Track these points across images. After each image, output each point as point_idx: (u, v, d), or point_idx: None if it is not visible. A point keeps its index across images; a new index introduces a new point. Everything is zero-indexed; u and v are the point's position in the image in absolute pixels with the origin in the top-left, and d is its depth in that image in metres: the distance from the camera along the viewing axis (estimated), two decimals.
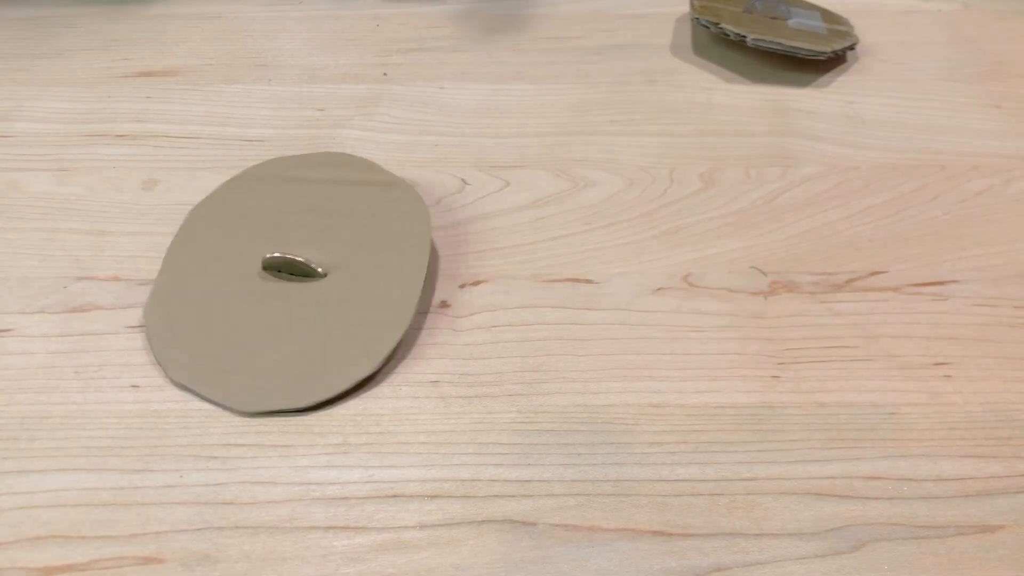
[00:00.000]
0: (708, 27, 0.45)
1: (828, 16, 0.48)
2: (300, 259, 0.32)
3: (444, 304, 0.33)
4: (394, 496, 0.27)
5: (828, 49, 0.43)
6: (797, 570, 0.25)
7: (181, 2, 0.52)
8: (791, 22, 0.45)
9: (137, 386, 0.31)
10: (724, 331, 0.32)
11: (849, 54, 0.47)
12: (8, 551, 0.26)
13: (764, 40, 0.43)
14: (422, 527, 0.26)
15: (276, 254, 0.32)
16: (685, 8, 0.51)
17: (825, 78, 0.45)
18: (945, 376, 0.30)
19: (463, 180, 0.39)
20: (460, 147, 0.41)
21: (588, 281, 0.34)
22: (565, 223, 0.37)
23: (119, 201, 0.39)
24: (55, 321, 0.33)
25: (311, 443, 0.29)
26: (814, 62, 0.45)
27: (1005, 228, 0.36)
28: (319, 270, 0.32)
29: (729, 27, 0.44)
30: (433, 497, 0.27)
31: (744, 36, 0.43)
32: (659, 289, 0.34)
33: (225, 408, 0.30)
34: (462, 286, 0.34)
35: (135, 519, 0.27)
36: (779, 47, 0.43)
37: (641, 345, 0.32)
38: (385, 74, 0.46)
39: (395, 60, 0.47)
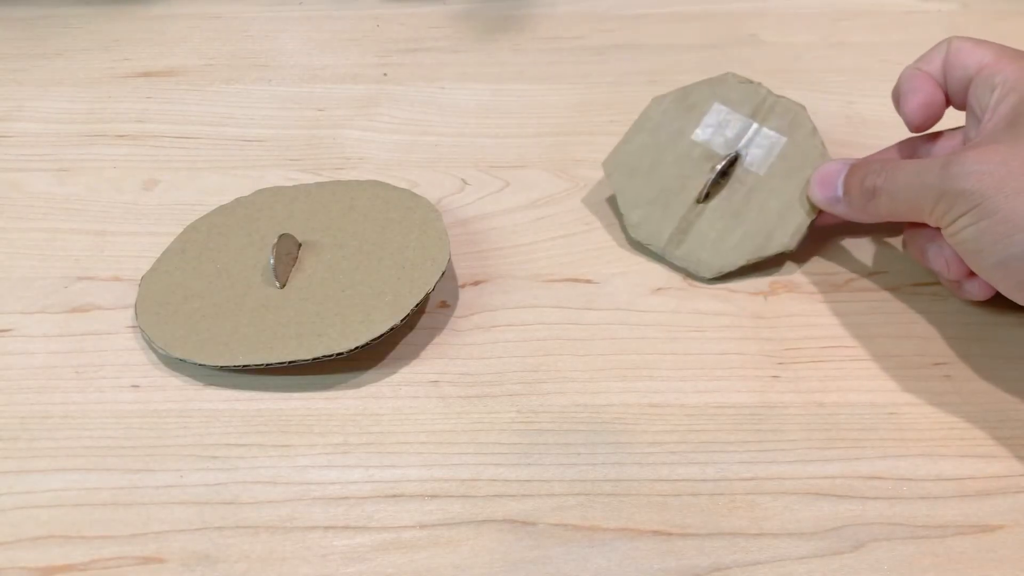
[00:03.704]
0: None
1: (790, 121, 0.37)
2: None
3: (444, 304, 0.33)
4: (394, 496, 0.27)
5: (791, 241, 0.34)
6: (797, 570, 0.25)
7: (181, 2, 0.52)
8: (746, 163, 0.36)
9: (137, 386, 0.31)
10: (724, 331, 0.32)
11: (849, 54, 0.47)
12: (8, 551, 0.26)
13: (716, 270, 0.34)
14: (422, 527, 0.26)
15: None
16: (685, 8, 0.51)
17: (825, 78, 0.45)
18: (945, 376, 0.30)
19: (463, 180, 0.39)
20: (460, 147, 0.41)
21: (588, 281, 0.34)
22: (565, 223, 0.37)
23: (119, 201, 0.39)
24: (55, 321, 0.33)
25: (311, 443, 0.29)
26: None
27: None
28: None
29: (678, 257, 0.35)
30: (433, 497, 0.27)
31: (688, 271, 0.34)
32: (659, 289, 0.34)
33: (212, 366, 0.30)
34: (462, 286, 0.34)
35: (135, 519, 0.27)
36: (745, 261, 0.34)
37: (641, 345, 0.32)
38: (385, 74, 0.46)
39: (395, 60, 0.47)
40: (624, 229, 0.36)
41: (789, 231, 0.34)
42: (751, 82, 0.37)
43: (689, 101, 0.37)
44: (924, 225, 0.30)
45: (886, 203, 0.30)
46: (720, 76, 0.38)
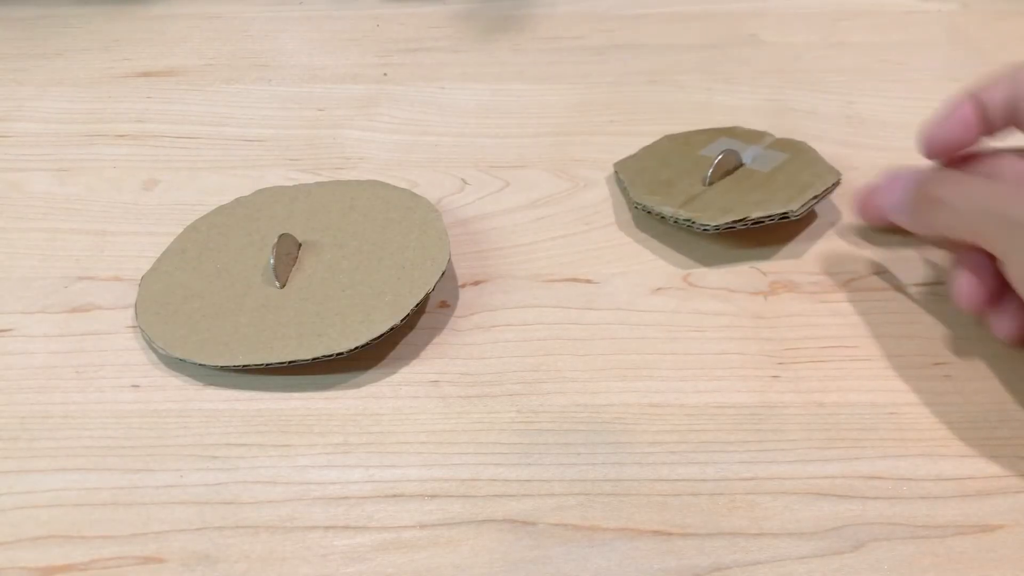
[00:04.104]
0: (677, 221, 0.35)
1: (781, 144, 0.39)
2: None
3: (444, 304, 0.33)
4: (394, 496, 0.27)
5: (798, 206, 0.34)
6: (797, 570, 0.25)
7: (181, 2, 0.52)
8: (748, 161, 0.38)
9: (137, 386, 0.31)
10: (724, 331, 0.32)
11: (849, 54, 0.47)
12: (8, 551, 0.26)
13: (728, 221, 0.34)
14: (422, 527, 0.26)
15: None
16: (685, 8, 0.51)
17: (825, 78, 0.45)
18: (945, 376, 0.30)
19: (463, 180, 0.39)
20: (460, 147, 0.41)
21: (588, 281, 0.34)
22: (565, 223, 0.37)
23: (119, 201, 0.39)
24: (55, 321, 0.33)
25: (311, 443, 0.29)
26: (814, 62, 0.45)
27: None
28: None
29: (683, 213, 0.34)
30: (433, 497, 0.27)
31: (692, 222, 0.34)
32: (659, 289, 0.34)
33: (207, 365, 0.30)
34: (462, 286, 0.34)
35: (135, 519, 0.27)
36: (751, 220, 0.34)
37: (641, 345, 0.32)
38: (385, 74, 0.46)
39: (395, 60, 0.47)
40: (628, 205, 0.37)
41: (796, 200, 0.34)
42: (758, 131, 0.40)
43: (698, 139, 0.40)
44: (977, 249, 0.28)
45: (947, 218, 0.28)
46: (729, 127, 0.40)
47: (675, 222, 0.35)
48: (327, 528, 0.26)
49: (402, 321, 0.31)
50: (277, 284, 0.33)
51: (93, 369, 0.31)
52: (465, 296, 0.34)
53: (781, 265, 0.35)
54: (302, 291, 0.32)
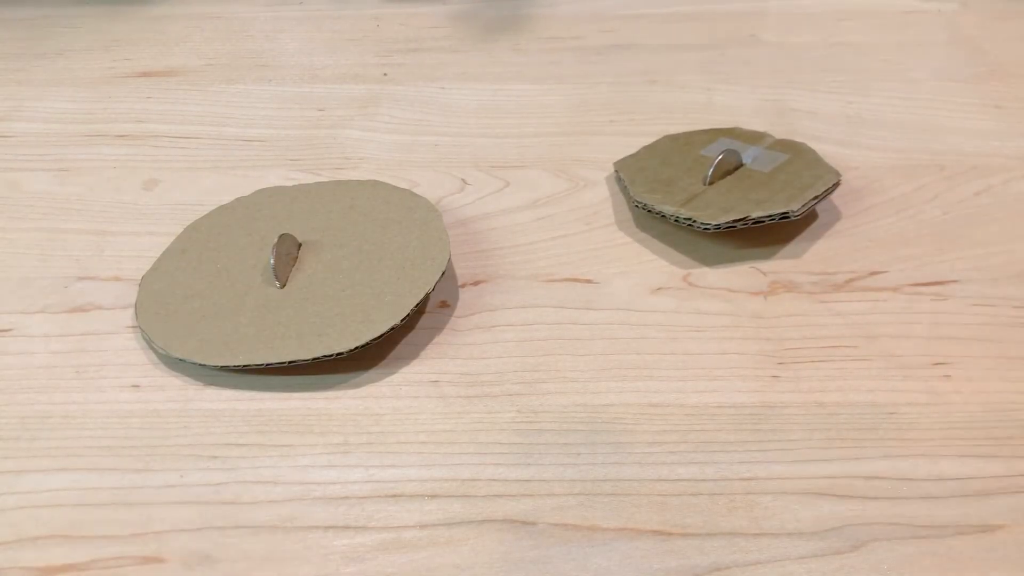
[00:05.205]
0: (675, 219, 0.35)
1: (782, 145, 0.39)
2: None
3: (444, 304, 0.33)
4: (394, 496, 0.27)
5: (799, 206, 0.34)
6: (797, 570, 0.25)
7: (181, 2, 0.52)
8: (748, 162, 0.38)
9: (137, 386, 0.31)
10: (724, 331, 0.32)
11: (849, 54, 0.47)
12: (8, 551, 0.26)
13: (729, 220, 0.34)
14: (422, 527, 0.26)
15: None
16: (685, 8, 0.51)
17: (825, 78, 0.45)
18: (945, 376, 0.30)
19: (463, 180, 0.39)
20: (460, 147, 0.41)
21: (588, 281, 0.34)
22: (565, 223, 0.37)
23: (119, 201, 0.39)
24: (55, 321, 0.33)
25: (311, 443, 0.29)
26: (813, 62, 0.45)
27: (1005, 228, 0.36)
28: None
29: (683, 212, 0.35)
30: (433, 497, 0.27)
31: (693, 221, 0.34)
32: (659, 289, 0.34)
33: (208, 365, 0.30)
34: (462, 286, 0.34)
35: (135, 519, 0.27)
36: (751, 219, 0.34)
37: (641, 345, 0.32)
38: (385, 74, 0.46)
39: (395, 60, 0.47)
40: (629, 204, 0.37)
41: (796, 200, 0.34)
42: (758, 132, 0.40)
43: (698, 139, 0.40)
44: None
45: None
46: (729, 127, 0.40)
47: (675, 221, 0.35)
48: (327, 528, 0.26)
49: (402, 321, 0.31)
50: (277, 284, 0.33)
51: (93, 369, 0.31)
52: (465, 296, 0.34)
53: (781, 265, 0.35)
54: (302, 291, 0.32)
